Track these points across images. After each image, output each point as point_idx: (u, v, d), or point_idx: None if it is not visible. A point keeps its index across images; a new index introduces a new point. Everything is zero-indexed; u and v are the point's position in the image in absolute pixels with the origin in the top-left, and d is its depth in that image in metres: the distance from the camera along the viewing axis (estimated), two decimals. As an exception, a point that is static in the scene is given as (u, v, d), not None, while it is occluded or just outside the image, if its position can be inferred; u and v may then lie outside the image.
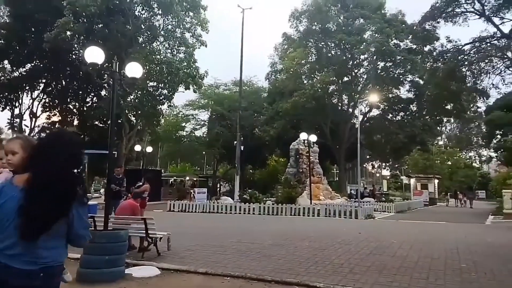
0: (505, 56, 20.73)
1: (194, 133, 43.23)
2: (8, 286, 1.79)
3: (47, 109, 30.90)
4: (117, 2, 22.90)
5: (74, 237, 1.93)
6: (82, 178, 2.09)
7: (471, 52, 21.75)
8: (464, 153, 60.03)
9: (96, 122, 29.98)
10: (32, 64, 28.21)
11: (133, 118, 28.29)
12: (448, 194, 41.51)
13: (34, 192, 1.78)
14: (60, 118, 31.03)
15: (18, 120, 29.97)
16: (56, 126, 32.11)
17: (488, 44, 21.51)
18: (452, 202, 36.17)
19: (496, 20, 21.40)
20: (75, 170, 1.95)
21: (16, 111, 29.92)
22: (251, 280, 5.29)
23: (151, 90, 27.11)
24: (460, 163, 56.16)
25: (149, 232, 6.70)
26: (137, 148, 25.48)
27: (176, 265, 6.02)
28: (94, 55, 7.65)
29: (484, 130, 37.77)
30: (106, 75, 8.33)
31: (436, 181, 36.24)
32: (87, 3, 21.58)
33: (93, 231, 7.26)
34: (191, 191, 23.70)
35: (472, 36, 22.35)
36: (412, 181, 36.54)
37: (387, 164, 58.91)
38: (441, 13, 22.47)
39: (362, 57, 33.56)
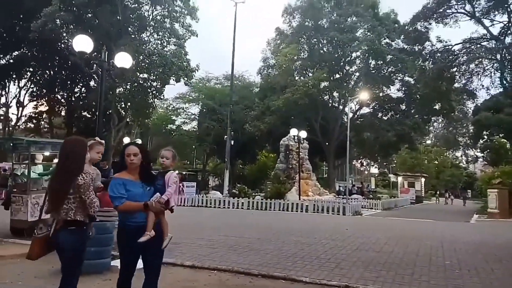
0: (494, 58, 20.97)
1: (182, 127, 42.99)
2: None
3: (34, 99, 30.38)
4: (106, -10, 22.47)
5: None
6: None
7: (461, 53, 21.98)
8: (451, 152, 60.91)
9: (84, 113, 29.56)
10: (20, 52, 27.62)
11: (122, 111, 27.95)
12: (438, 192, 43.88)
13: None
14: (47, 108, 30.56)
15: (4, 109, 29.43)
16: (43, 116, 31.66)
17: (478, 45, 21.75)
18: (443, 200, 37.90)
19: (486, 22, 21.68)
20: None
21: (3, 99, 29.38)
22: (238, 274, 5.28)
23: (142, 82, 26.80)
24: (447, 162, 56.97)
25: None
26: (126, 140, 25.19)
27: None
28: (83, 43, 7.54)
29: (472, 130, 38.48)
30: (95, 65, 8.19)
31: (423, 179, 36.77)
32: (75, -9, 21.15)
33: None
34: (180, 184, 23.49)
35: (462, 37, 22.57)
36: (400, 179, 36.97)
37: (376, 162, 59.46)
38: (433, 13, 22.64)
39: (354, 55, 33.62)
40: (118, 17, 23.91)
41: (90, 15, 24.39)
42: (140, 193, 3.15)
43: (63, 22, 22.93)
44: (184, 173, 37.32)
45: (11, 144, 9.48)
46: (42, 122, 32.25)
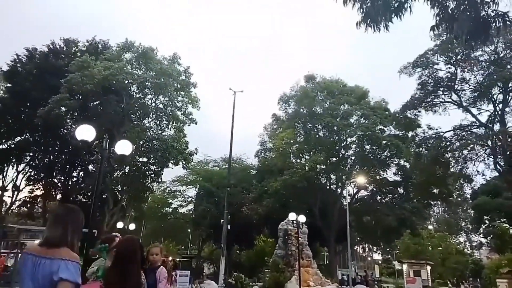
0: (486, 144, 21.50)
1: (178, 210, 42.17)
2: None
3: (31, 183, 30.17)
4: (114, 82, 23.78)
5: None
6: None
7: (453, 139, 22.58)
8: (454, 238, 59.02)
9: (80, 197, 29.19)
10: (22, 138, 28.17)
11: (118, 193, 27.67)
12: (451, 282, 42.36)
13: None
14: (43, 191, 30.23)
15: (0, 192, 29.03)
16: (38, 200, 31.18)
17: (469, 132, 22.47)
18: None
19: (474, 110, 22.69)
20: None
21: (-1, 183, 29.14)
22: None
23: (140, 165, 27.01)
24: (452, 248, 54.87)
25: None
26: (119, 225, 24.51)
27: None
28: (85, 132, 7.69)
29: (472, 215, 37.87)
30: (95, 151, 8.26)
31: (429, 267, 35.00)
32: (84, 81, 22.38)
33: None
34: (173, 273, 22.17)
35: (455, 123, 23.40)
36: (405, 267, 35.13)
37: (379, 247, 57.38)
38: (421, 102, 23.76)
39: (349, 139, 34.53)
40: (122, 105, 24.98)
41: (96, 103, 25.50)
42: None
43: (68, 109, 23.91)
44: (177, 259, 35.61)
45: (2, 231, 9.16)
46: (37, 207, 31.64)
